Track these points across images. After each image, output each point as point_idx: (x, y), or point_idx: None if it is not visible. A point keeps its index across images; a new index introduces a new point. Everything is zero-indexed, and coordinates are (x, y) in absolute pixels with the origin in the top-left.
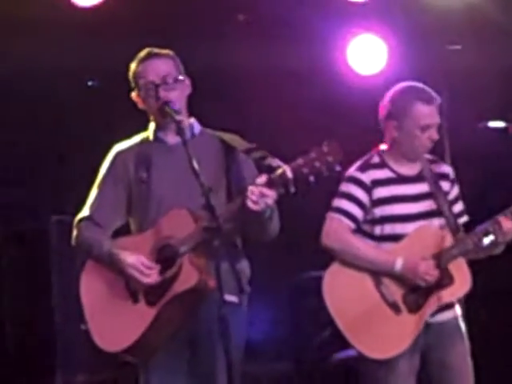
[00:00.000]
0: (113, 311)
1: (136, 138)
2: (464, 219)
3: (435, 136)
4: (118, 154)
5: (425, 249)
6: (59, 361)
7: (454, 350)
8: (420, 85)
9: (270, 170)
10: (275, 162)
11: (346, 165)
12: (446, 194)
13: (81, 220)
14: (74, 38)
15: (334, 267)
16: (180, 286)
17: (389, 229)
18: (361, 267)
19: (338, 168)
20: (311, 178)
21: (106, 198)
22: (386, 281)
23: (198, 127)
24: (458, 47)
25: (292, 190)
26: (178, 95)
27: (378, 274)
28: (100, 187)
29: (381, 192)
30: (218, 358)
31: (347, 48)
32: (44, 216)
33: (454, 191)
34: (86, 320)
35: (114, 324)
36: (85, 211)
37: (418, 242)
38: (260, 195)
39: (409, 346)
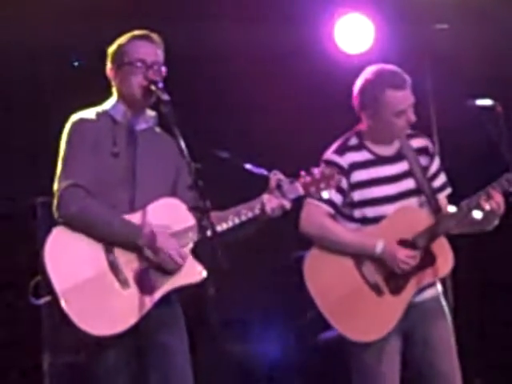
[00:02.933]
0: (94, 292)
1: (94, 111)
2: (447, 191)
3: (412, 117)
4: (85, 121)
5: (405, 230)
6: (46, 342)
7: (436, 328)
8: (388, 68)
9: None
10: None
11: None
12: (426, 168)
13: (67, 188)
14: (59, 19)
15: (315, 250)
16: None
17: (370, 211)
18: (341, 251)
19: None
20: (316, 196)
21: (87, 165)
22: (368, 262)
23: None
24: (445, 26)
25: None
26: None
27: (359, 256)
28: (76, 153)
29: (359, 175)
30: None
31: (334, 27)
32: (28, 199)
33: (435, 165)
34: (56, 295)
35: (99, 306)
36: (67, 178)
37: (398, 223)
38: (279, 205)
39: (392, 328)
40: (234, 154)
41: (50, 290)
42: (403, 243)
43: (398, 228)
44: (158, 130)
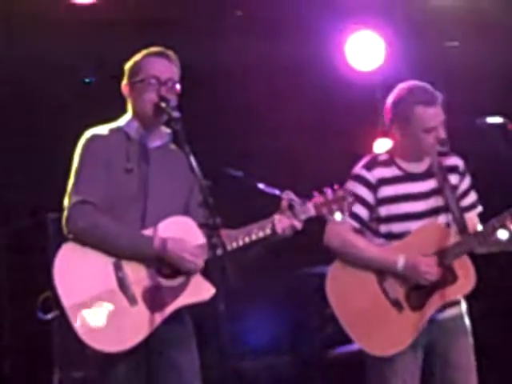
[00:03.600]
0: (102, 309)
1: (107, 128)
2: (478, 210)
3: (442, 135)
4: (98, 137)
5: (428, 246)
6: (56, 357)
7: (457, 347)
8: (420, 85)
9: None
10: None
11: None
12: (455, 188)
13: (77, 204)
14: (72, 34)
15: (338, 263)
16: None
17: (396, 227)
18: (364, 266)
19: (348, 214)
20: (328, 217)
21: (98, 182)
22: (390, 278)
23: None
24: (456, 44)
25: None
26: (174, 100)
27: (381, 271)
28: (88, 169)
29: (386, 191)
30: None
31: (345, 44)
32: (41, 214)
33: (465, 183)
34: (64, 311)
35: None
36: (77, 194)
37: (422, 239)
38: (290, 226)
39: (409, 344)
40: (246, 173)
41: (59, 306)
42: (423, 256)
43: (421, 244)
44: (172, 147)
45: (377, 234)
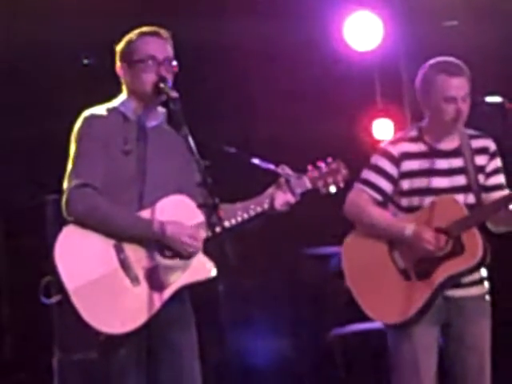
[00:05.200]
0: (105, 290)
1: (104, 108)
2: (504, 192)
3: (462, 107)
4: (96, 118)
5: (442, 218)
6: (56, 340)
7: (474, 328)
8: (449, 59)
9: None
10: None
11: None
12: (482, 168)
13: (77, 187)
14: (70, 15)
15: (353, 235)
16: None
17: (417, 201)
18: (378, 235)
19: (342, 185)
20: (323, 191)
21: (98, 163)
22: (399, 247)
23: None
24: (455, 23)
25: (298, 198)
26: (171, 79)
27: (392, 241)
28: (87, 150)
29: (410, 165)
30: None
31: (343, 24)
32: (40, 196)
33: (493, 164)
34: (67, 294)
35: (111, 304)
36: (77, 177)
37: (437, 211)
38: (287, 200)
39: (415, 312)
40: (240, 149)
41: (61, 289)
42: (437, 231)
43: (435, 216)
44: (166, 126)
45: (399, 207)
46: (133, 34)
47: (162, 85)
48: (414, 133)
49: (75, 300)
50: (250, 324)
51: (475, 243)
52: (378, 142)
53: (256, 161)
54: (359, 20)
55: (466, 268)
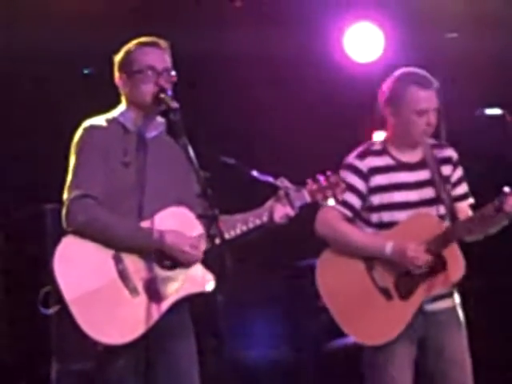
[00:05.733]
0: (104, 301)
1: (104, 119)
2: (469, 201)
3: (433, 120)
4: (96, 128)
5: (418, 235)
6: (54, 350)
7: (451, 340)
8: (417, 70)
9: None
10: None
11: (345, 154)
12: (447, 178)
13: (77, 198)
14: (71, 25)
15: (327, 254)
16: None
17: (387, 216)
18: (353, 254)
19: (341, 198)
20: (322, 204)
21: (98, 174)
22: (379, 266)
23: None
24: (455, 35)
25: (297, 211)
26: (170, 89)
27: (370, 259)
28: (87, 161)
29: (379, 180)
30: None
31: (344, 36)
32: (39, 205)
33: (456, 174)
34: (66, 304)
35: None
36: (77, 188)
37: (412, 228)
38: (286, 213)
39: (398, 333)
40: (239, 160)
41: (60, 300)
42: (411, 243)
43: (411, 233)
44: (166, 137)
45: (368, 223)
46: (131, 45)
47: (162, 95)
48: (378, 146)
49: (74, 310)
50: (249, 334)
51: (457, 259)
52: None
53: (255, 173)
54: (360, 31)
55: (450, 284)
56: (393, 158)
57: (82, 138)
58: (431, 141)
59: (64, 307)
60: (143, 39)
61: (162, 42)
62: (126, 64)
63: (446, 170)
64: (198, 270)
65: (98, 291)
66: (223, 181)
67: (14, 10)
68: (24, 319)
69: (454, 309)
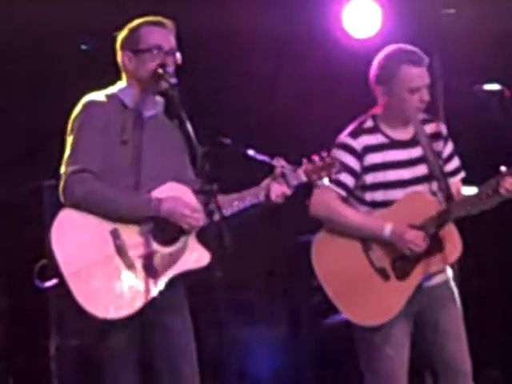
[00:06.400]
0: (101, 275)
1: (103, 94)
2: (461, 175)
3: (426, 97)
4: (96, 104)
5: (415, 215)
6: (53, 325)
7: (445, 313)
8: (408, 47)
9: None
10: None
11: (340, 131)
12: (440, 153)
13: (75, 172)
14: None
15: (323, 233)
16: None
17: (381, 195)
18: (349, 234)
19: (335, 177)
20: (317, 184)
21: (96, 150)
22: (375, 246)
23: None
24: (452, 11)
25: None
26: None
27: (367, 239)
28: (86, 136)
29: (373, 158)
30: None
31: (342, 11)
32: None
33: (448, 149)
34: (63, 278)
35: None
36: (75, 162)
37: (408, 207)
38: (282, 194)
39: (396, 314)
40: (236, 138)
41: (57, 273)
42: (412, 228)
43: (407, 213)
44: (163, 117)
45: (361, 202)
46: (137, 23)
47: (160, 70)
48: (369, 123)
49: (70, 284)
50: (248, 311)
51: (454, 239)
52: None
53: (251, 152)
54: (358, 7)
55: (447, 265)
56: (385, 135)
57: (81, 113)
58: (420, 116)
59: (61, 281)
60: (149, 18)
61: (168, 22)
62: (131, 42)
63: (437, 145)
64: (195, 245)
65: (95, 266)
66: (220, 160)
67: None
68: (23, 295)
69: (447, 282)
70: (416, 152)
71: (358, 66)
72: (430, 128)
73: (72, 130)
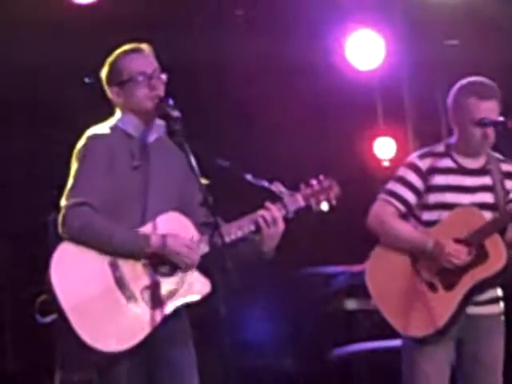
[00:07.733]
0: (101, 309)
1: (107, 127)
2: None
3: (490, 132)
4: (99, 137)
5: (461, 229)
6: (57, 359)
7: (489, 346)
8: (481, 79)
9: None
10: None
11: (345, 160)
12: (508, 192)
13: (74, 205)
14: (70, 34)
15: (376, 253)
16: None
17: (436, 216)
18: (401, 249)
19: (334, 202)
20: (315, 208)
21: (97, 183)
22: (422, 259)
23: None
24: (456, 42)
25: (291, 215)
26: (163, 90)
27: (415, 253)
28: (88, 170)
29: (437, 179)
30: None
31: (345, 43)
32: (42, 214)
33: None
34: (63, 312)
35: (107, 322)
36: (76, 196)
37: (454, 223)
38: (272, 220)
39: (444, 323)
40: (235, 164)
41: (57, 308)
42: (457, 241)
43: (454, 227)
44: (166, 139)
45: (419, 221)
46: (114, 56)
47: (163, 105)
48: (441, 148)
49: (71, 318)
50: (252, 341)
51: (499, 248)
52: (380, 160)
53: (249, 177)
54: (361, 38)
55: (492, 273)
56: (454, 161)
57: (85, 146)
58: (498, 155)
59: (61, 315)
60: (125, 47)
61: (144, 46)
62: (114, 76)
63: (509, 184)
64: (195, 275)
65: (95, 299)
66: (218, 182)
67: (14, 20)
68: (28, 329)
69: (496, 316)
70: (481, 180)
71: (360, 97)
72: (504, 167)
73: (75, 161)
